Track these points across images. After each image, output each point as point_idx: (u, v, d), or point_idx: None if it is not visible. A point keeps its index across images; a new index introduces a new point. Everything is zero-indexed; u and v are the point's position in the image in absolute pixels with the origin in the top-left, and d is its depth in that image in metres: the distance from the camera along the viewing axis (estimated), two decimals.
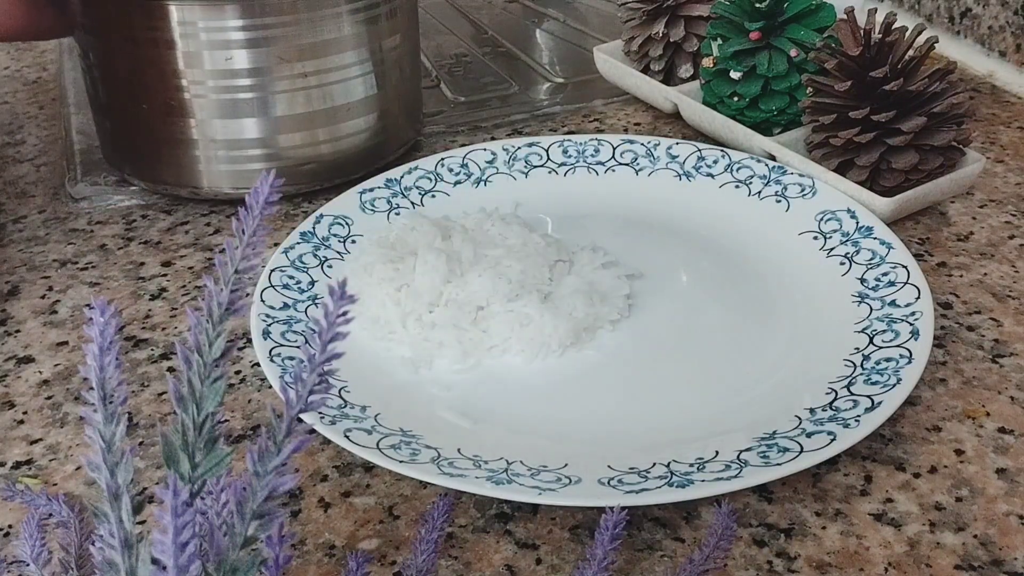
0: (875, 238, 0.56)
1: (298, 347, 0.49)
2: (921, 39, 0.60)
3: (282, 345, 0.49)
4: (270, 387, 0.49)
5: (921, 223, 0.62)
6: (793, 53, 0.65)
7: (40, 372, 0.52)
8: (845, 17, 0.61)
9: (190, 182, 0.63)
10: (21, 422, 0.48)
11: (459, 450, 0.44)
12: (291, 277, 0.54)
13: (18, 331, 0.55)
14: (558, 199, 0.62)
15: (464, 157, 0.65)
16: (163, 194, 0.66)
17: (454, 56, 0.90)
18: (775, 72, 0.65)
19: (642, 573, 0.40)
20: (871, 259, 0.54)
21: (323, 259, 0.56)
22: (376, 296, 0.52)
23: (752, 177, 0.63)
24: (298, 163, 0.63)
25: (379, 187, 0.62)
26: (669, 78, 0.75)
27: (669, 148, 0.65)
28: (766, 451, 0.43)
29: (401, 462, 0.42)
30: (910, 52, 0.60)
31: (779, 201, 0.61)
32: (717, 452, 0.43)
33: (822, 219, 0.58)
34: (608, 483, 0.41)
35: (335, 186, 0.63)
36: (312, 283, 0.54)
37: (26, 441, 0.47)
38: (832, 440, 0.42)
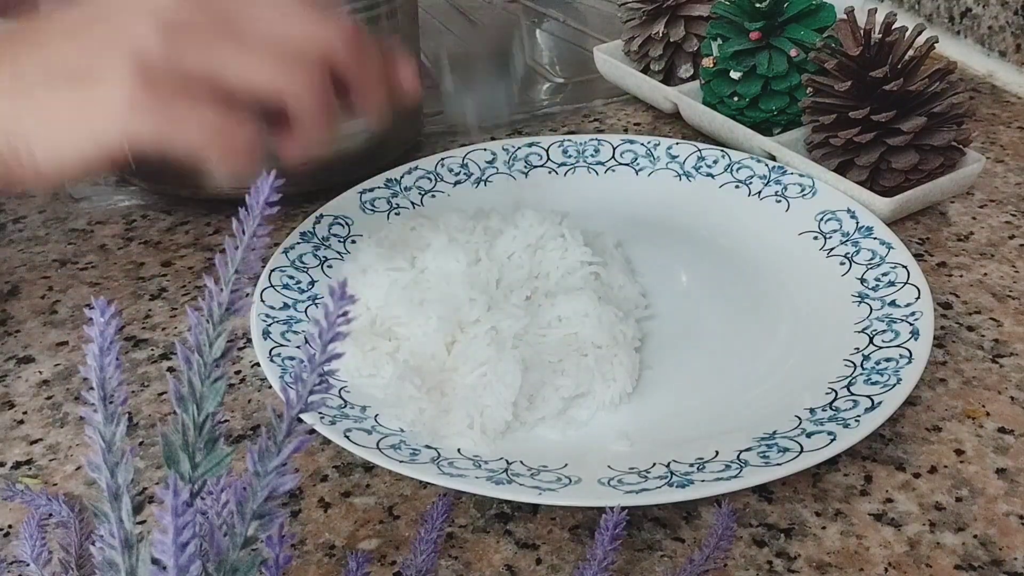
0: (875, 238, 0.55)
1: (298, 347, 0.49)
2: (921, 39, 0.60)
3: (282, 345, 0.48)
4: (270, 387, 0.49)
5: (921, 223, 0.62)
6: (793, 53, 0.65)
7: (40, 372, 0.52)
8: (845, 17, 0.61)
9: (190, 182, 0.63)
10: (21, 422, 0.48)
11: (459, 450, 0.44)
12: (291, 277, 0.54)
13: (18, 331, 0.55)
14: (558, 199, 0.61)
15: (464, 157, 0.65)
16: (163, 194, 0.66)
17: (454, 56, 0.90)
18: (775, 72, 0.65)
19: (642, 573, 0.40)
20: (871, 259, 0.54)
21: (323, 259, 0.56)
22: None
23: (752, 177, 0.63)
24: (298, 163, 0.63)
25: (379, 187, 0.62)
26: (669, 78, 0.75)
27: (669, 148, 0.65)
28: (766, 451, 0.43)
29: (401, 462, 0.42)
30: (910, 52, 0.60)
31: (779, 201, 0.61)
32: (717, 452, 0.43)
33: (822, 219, 0.58)
34: (608, 483, 0.41)
35: (335, 186, 0.63)
36: (312, 283, 0.54)
37: (26, 441, 0.47)
38: (832, 440, 0.42)
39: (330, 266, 0.56)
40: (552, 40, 0.95)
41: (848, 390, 0.46)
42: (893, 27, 0.59)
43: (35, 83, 0.41)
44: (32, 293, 0.58)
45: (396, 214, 0.61)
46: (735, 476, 0.41)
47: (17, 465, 0.46)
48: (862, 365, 0.48)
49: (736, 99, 0.67)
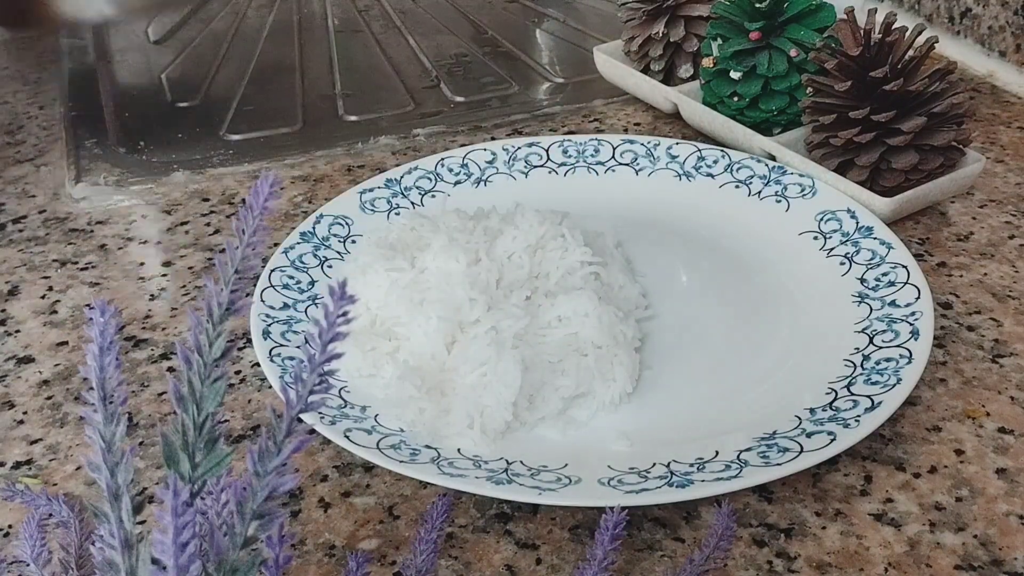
0: (875, 238, 0.55)
1: (298, 347, 0.49)
2: (921, 39, 0.60)
3: (282, 345, 0.48)
4: (270, 387, 0.49)
5: (921, 223, 0.62)
6: (793, 53, 0.65)
7: (40, 372, 0.52)
8: (845, 17, 0.61)
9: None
10: (21, 422, 0.48)
11: (459, 450, 0.44)
12: (291, 277, 0.54)
13: (18, 331, 0.55)
14: (558, 199, 0.61)
15: (464, 157, 0.65)
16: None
17: (454, 56, 0.90)
18: (775, 72, 0.65)
19: (642, 573, 0.40)
20: (871, 259, 0.54)
21: (323, 259, 0.56)
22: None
23: (752, 177, 0.63)
24: None
25: (379, 187, 0.62)
26: (669, 78, 0.75)
27: (669, 148, 0.65)
28: (766, 451, 0.43)
29: (401, 462, 0.42)
30: (910, 52, 0.60)
31: (779, 201, 0.61)
32: (717, 452, 0.43)
33: (822, 219, 0.58)
34: (608, 483, 0.41)
35: None
36: (312, 283, 0.54)
37: (26, 441, 0.47)
38: (832, 440, 0.42)
39: (330, 266, 0.56)
40: (552, 40, 0.95)
41: (848, 390, 0.46)
42: (893, 27, 0.59)
43: None
44: (32, 293, 0.58)
45: (396, 214, 0.61)
46: (735, 476, 0.41)
47: (17, 465, 0.46)
48: (862, 365, 0.48)
49: (736, 99, 0.67)
